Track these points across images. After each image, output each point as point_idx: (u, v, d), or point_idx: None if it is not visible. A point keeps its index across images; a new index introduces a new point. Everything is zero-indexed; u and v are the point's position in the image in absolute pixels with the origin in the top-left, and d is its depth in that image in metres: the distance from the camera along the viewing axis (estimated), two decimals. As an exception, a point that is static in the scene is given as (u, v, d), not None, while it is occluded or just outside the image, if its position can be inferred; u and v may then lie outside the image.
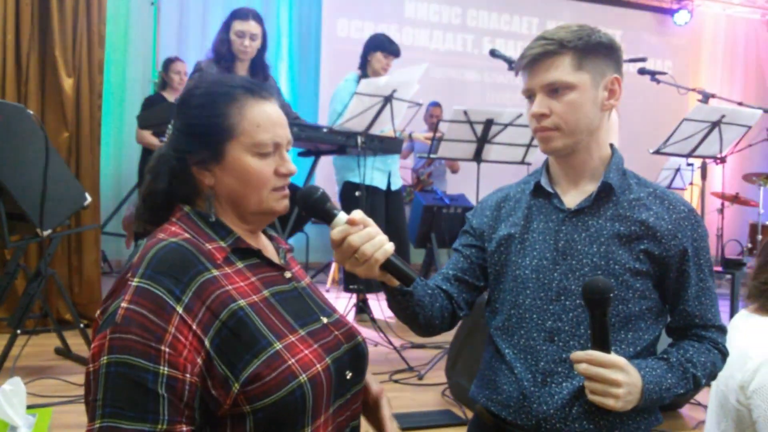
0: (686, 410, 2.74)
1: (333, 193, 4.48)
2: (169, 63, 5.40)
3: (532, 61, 1.34)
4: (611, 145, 1.44)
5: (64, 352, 3.29)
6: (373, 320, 3.67)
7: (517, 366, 1.35)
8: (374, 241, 1.13)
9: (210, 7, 6.52)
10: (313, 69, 6.97)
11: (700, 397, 2.72)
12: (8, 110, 2.72)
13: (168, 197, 1.15)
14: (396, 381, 3.10)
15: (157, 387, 0.93)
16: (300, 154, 3.90)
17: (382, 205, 4.36)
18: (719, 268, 3.64)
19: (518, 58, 1.38)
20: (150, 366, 0.94)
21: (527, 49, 1.35)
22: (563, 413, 1.29)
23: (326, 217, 1.15)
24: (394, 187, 4.45)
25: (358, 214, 1.14)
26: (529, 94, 1.38)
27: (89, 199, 2.98)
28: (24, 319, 2.90)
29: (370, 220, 1.14)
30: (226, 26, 3.46)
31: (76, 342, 3.29)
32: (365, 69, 4.27)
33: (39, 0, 3.73)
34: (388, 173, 4.39)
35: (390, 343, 3.51)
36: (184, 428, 0.96)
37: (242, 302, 1.05)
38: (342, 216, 1.14)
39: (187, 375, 0.96)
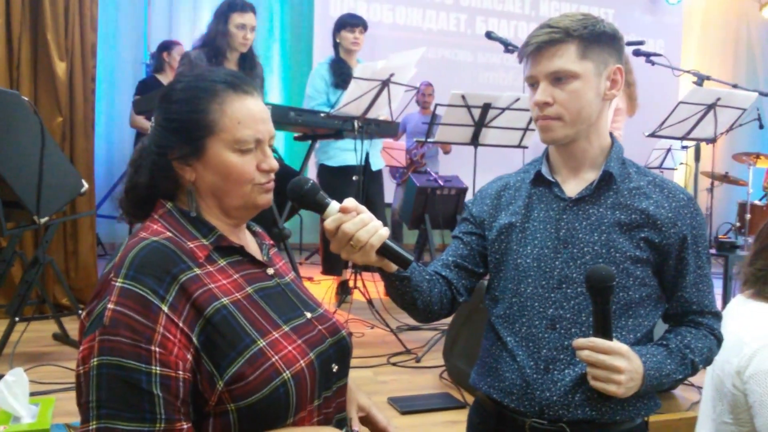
0: (680, 391, 2.78)
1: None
2: (172, 45, 5.33)
3: (537, 48, 1.34)
4: (611, 134, 1.45)
5: (62, 337, 3.29)
6: (370, 302, 3.69)
7: (519, 354, 1.37)
8: (368, 227, 1.14)
9: (201, -10, 6.44)
10: (305, 49, 6.92)
11: (693, 378, 2.75)
12: (3, 97, 2.69)
13: (150, 191, 1.15)
14: (394, 364, 3.13)
15: (152, 387, 0.94)
16: (296, 138, 3.89)
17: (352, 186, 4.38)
18: (712, 250, 3.67)
19: (522, 45, 1.38)
20: (142, 367, 0.95)
21: (532, 36, 1.35)
22: (566, 400, 1.31)
23: (318, 208, 1.16)
24: (374, 168, 4.43)
25: (350, 201, 1.15)
26: (532, 82, 1.38)
27: (86, 186, 2.97)
28: (23, 306, 2.90)
29: (362, 207, 1.16)
30: (224, 18, 3.42)
31: (73, 327, 3.28)
32: (337, 51, 4.31)
33: (29, -19, 3.68)
34: (366, 154, 4.39)
35: (387, 325, 3.53)
36: (184, 426, 0.97)
37: (225, 300, 1.06)
38: (334, 205, 1.15)
39: (180, 372, 0.97)
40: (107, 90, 6.14)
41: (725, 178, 6.78)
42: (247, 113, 1.12)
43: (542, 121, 1.38)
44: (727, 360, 1.65)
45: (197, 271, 1.05)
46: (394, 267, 1.27)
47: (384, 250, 1.17)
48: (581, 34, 1.32)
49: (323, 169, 4.33)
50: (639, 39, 3.70)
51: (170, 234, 1.08)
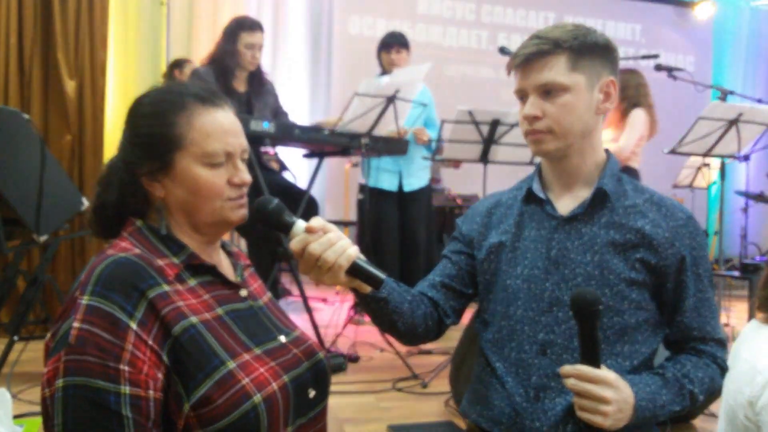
0: (700, 421, 2.64)
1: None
2: (183, 63, 5.35)
3: (526, 60, 1.30)
4: (606, 150, 1.40)
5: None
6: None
7: (508, 380, 1.31)
8: (335, 246, 1.09)
9: (221, 7, 6.49)
10: (324, 66, 6.92)
11: (714, 407, 2.61)
12: (4, 115, 2.70)
13: (119, 209, 1.12)
14: (399, 389, 3.02)
15: (121, 408, 0.90)
16: (305, 156, 3.85)
17: (391, 209, 4.29)
18: (736, 273, 3.52)
19: (511, 57, 1.33)
20: (110, 387, 0.91)
21: (520, 48, 1.31)
22: (557, 430, 1.24)
23: (283, 229, 1.12)
24: (407, 188, 4.33)
25: (316, 221, 1.10)
26: (522, 95, 1.34)
27: (86, 203, 2.95)
28: (21, 325, 2.88)
29: (330, 226, 1.11)
30: (233, 37, 3.41)
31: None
32: (383, 71, 4.33)
33: (41, 0, 3.71)
34: (398, 174, 4.30)
35: (392, 347, 3.43)
36: None
37: (194, 319, 1.01)
38: (300, 225, 1.11)
39: (150, 391, 0.93)
40: (124, 108, 6.19)
41: (761, 198, 6.55)
42: (217, 126, 1.09)
43: (532, 135, 1.33)
44: (740, 389, 1.53)
45: (166, 288, 1.01)
46: (368, 288, 1.20)
47: (354, 271, 1.12)
48: (571, 45, 1.27)
49: (363, 188, 4.19)
50: (670, 56, 3.59)
51: (138, 251, 1.05)
